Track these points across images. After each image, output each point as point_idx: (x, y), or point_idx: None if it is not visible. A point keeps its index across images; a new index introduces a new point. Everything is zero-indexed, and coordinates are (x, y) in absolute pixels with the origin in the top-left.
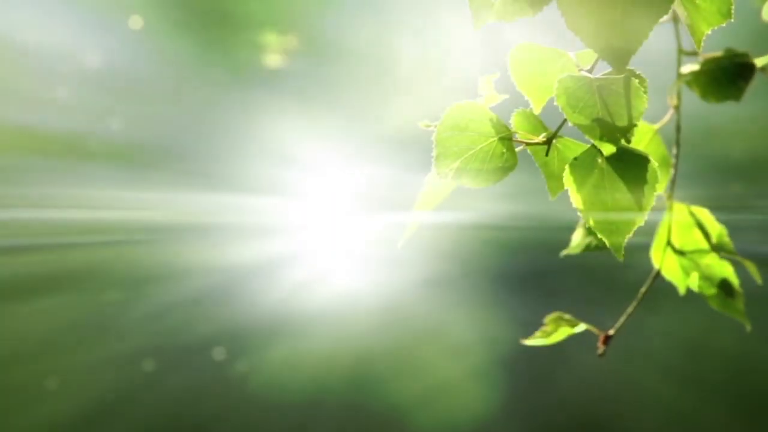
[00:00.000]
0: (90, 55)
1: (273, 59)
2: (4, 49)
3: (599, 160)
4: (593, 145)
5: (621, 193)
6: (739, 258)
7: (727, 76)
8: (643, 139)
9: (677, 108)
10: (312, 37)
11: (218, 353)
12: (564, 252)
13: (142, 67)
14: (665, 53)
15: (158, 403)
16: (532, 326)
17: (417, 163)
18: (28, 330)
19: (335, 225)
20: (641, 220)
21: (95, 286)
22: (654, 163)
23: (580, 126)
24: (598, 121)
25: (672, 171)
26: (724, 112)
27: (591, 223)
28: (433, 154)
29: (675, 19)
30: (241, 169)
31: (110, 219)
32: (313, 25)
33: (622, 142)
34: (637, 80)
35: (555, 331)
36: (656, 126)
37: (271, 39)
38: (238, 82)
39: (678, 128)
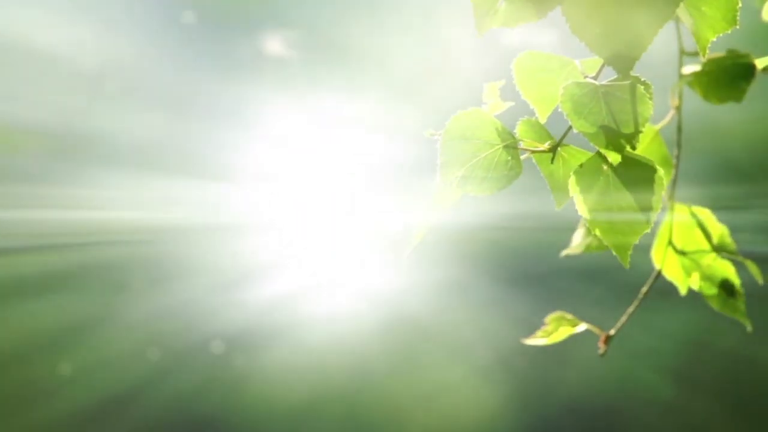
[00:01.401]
0: (89, 56)
1: (275, 57)
2: (4, 50)
3: (605, 168)
4: (598, 153)
5: (626, 201)
6: (740, 258)
7: (728, 76)
8: (645, 139)
9: (678, 109)
10: (311, 38)
11: (218, 354)
12: (564, 252)
13: (143, 66)
14: (666, 53)
15: (157, 403)
16: (533, 326)
17: (418, 166)
18: (28, 330)
19: (337, 226)
20: (647, 227)
21: (95, 286)
22: (660, 171)
23: (585, 133)
24: (603, 128)
25: (673, 171)
26: (726, 112)
27: (597, 231)
28: (438, 161)
29: (677, 20)
30: (241, 168)
31: (110, 219)
32: (312, 27)
33: (628, 149)
34: (642, 86)
35: (556, 331)
36: (658, 126)
37: (272, 37)
38: (238, 81)
39: (679, 129)
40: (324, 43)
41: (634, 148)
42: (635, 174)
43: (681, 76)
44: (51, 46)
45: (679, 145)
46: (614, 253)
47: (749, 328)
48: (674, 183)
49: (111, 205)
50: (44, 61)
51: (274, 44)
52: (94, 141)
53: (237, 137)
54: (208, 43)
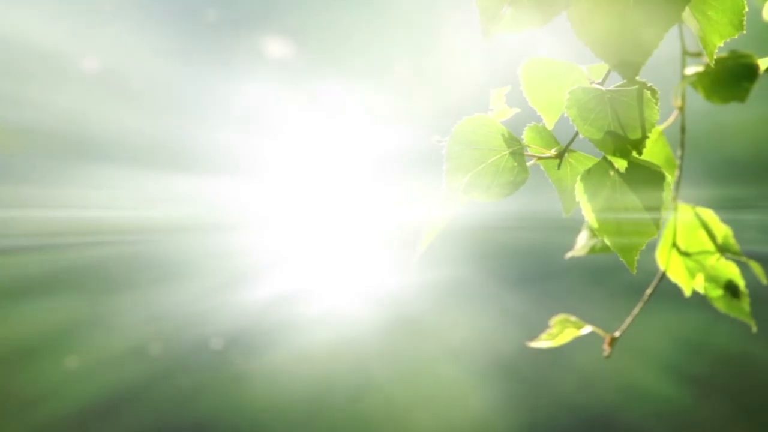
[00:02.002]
0: (87, 57)
1: (274, 54)
2: (3, 50)
3: (611, 173)
4: (605, 158)
5: (633, 206)
6: (744, 259)
7: (731, 77)
8: (648, 140)
9: (682, 109)
10: (314, 38)
11: (218, 354)
12: (569, 254)
13: (143, 66)
14: (669, 54)
15: (156, 403)
16: (536, 325)
17: (419, 163)
18: (26, 329)
19: (340, 223)
20: (654, 232)
21: (95, 286)
22: (668, 177)
23: (591, 139)
24: (609, 133)
25: (677, 172)
26: (729, 113)
27: (604, 236)
28: (444, 167)
29: (679, 21)
30: (242, 167)
31: (109, 218)
32: (314, 27)
33: (634, 154)
34: (648, 91)
35: (560, 333)
36: (661, 127)
37: (271, 33)
38: (238, 78)
39: (683, 129)
40: (324, 39)
41: (640, 153)
42: (642, 179)
43: (684, 76)
44: (49, 45)
45: (682, 146)
46: (621, 258)
47: (754, 328)
48: (678, 183)
49: (110, 204)
50: (42, 61)
51: (273, 41)
52: (94, 141)
53: (239, 135)
54: (206, 42)
